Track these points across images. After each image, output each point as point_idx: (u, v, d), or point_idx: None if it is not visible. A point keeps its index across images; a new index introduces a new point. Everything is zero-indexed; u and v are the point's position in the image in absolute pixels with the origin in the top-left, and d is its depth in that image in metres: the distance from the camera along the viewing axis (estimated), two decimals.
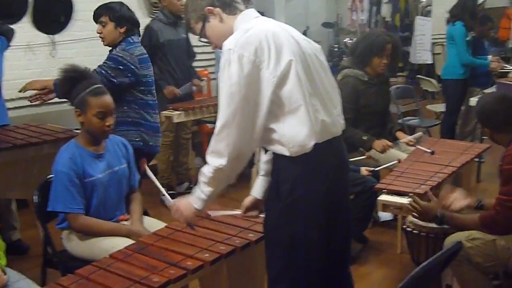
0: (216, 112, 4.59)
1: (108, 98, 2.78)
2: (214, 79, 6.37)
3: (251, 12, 2.30)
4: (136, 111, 3.55)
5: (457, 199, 2.89)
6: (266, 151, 2.30)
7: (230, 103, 2.09)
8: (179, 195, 5.07)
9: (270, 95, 2.09)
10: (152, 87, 3.66)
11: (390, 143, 3.95)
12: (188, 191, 5.29)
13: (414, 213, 2.91)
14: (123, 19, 3.52)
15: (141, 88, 3.55)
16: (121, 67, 3.40)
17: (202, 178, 2.24)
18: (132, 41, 3.54)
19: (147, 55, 3.62)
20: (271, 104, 2.11)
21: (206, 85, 5.75)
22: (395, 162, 3.75)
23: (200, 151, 6.09)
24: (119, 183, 2.91)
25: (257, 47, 2.08)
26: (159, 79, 4.76)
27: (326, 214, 2.21)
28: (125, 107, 3.52)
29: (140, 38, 3.68)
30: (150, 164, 5.07)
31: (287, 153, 2.15)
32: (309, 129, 2.12)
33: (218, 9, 2.27)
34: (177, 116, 4.50)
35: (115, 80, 3.38)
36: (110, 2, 3.66)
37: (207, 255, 2.33)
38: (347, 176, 2.38)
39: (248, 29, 2.14)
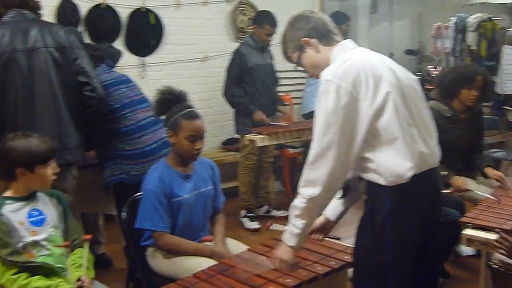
0: (298, 137, 4.74)
1: (200, 122, 2.85)
2: (296, 104, 6.41)
3: (348, 43, 2.33)
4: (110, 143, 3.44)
5: None
6: (361, 179, 2.29)
7: (326, 133, 2.11)
8: (259, 218, 5.15)
9: (366, 126, 2.09)
10: (123, 112, 3.44)
11: (465, 187, 3.78)
12: (267, 214, 5.33)
13: (501, 250, 2.81)
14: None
15: (108, 117, 3.39)
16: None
17: (294, 212, 2.24)
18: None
19: (107, 81, 3.44)
20: (367, 134, 2.11)
21: (289, 110, 5.79)
22: (486, 195, 3.60)
23: (280, 175, 6.13)
24: (205, 204, 2.97)
25: (355, 78, 2.10)
26: (249, 103, 4.87)
27: (418, 245, 2.19)
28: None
29: (107, 68, 3.61)
30: (232, 185, 5.21)
31: (383, 182, 2.14)
32: (407, 160, 2.11)
33: (314, 40, 2.31)
34: (261, 140, 4.55)
35: None
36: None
37: (289, 280, 2.32)
38: (440, 209, 2.35)
39: (345, 60, 2.16)
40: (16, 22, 2.85)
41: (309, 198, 2.18)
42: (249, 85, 4.93)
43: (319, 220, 2.56)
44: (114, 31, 5.38)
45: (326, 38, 2.31)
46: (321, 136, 2.13)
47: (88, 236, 2.58)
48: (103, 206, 3.60)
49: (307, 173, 2.18)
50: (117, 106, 3.38)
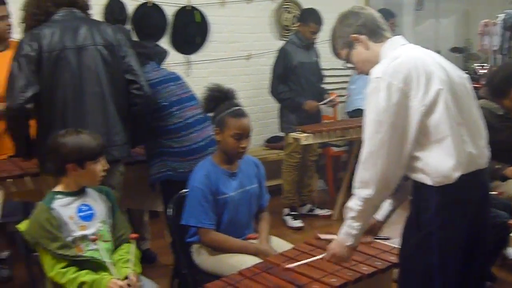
0: (343, 136, 4.71)
1: (246, 121, 2.86)
2: (341, 102, 6.38)
3: (398, 39, 2.29)
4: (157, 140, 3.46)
5: None
6: (407, 179, 2.27)
7: (378, 131, 2.09)
8: (301, 216, 5.14)
9: (417, 123, 2.07)
10: (172, 109, 3.45)
11: None
12: (310, 212, 5.32)
13: None
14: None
15: (156, 115, 3.42)
16: None
17: (350, 214, 2.23)
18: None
19: (155, 79, 3.47)
20: (417, 133, 2.08)
21: (333, 109, 5.75)
22: None
23: (324, 174, 6.11)
24: (250, 202, 2.98)
25: (406, 75, 2.07)
26: (296, 96, 4.87)
27: (465, 247, 2.15)
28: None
29: (155, 67, 3.62)
30: (276, 183, 5.21)
31: (430, 183, 2.10)
32: (455, 160, 2.07)
33: (364, 37, 2.28)
34: (305, 138, 4.53)
35: None
36: None
37: (334, 280, 2.32)
38: (489, 210, 2.31)
39: (396, 57, 2.14)
40: (66, 21, 2.90)
41: (365, 200, 2.16)
42: (294, 83, 4.92)
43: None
44: (160, 29, 5.44)
45: (376, 34, 2.28)
46: (372, 135, 2.11)
47: (135, 235, 2.61)
48: (148, 202, 3.64)
49: (360, 173, 2.16)
50: (165, 104, 3.40)
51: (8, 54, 3.67)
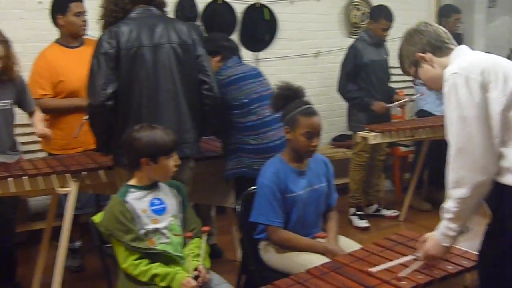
0: (412, 135, 4.63)
1: (317, 119, 2.85)
2: (410, 101, 6.28)
3: (465, 48, 2.31)
4: (235, 136, 3.47)
5: None
6: None
7: (463, 127, 2.07)
8: (367, 216, 5.09)
9: (499, 115, 2.04)
10: (251, 107, 3.45)
11: None
12: (376, 213, 5.26)
13: None
14: (213, 49, 3.48)
15: (235, 111, 3.45)
16: None
17: (446, 215, 2.20)
18: (224, 68, 3.51)
19: (238, 75, 3.50)
20: (501, 126, 2.05)
21: (402, 108, 5.66)
22: None
23: (390, 174, 6.02)
24: (318, 201, 2.97)
25: (483, 68, 2.07)
26: (365, 96, 4.82)
27: None
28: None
29: (238, 60, 3.62)
30: (342, 182, 5.18)
31: None
32: None
33: (429, 55, 2.31)
34: (373, 137, 4.48)
35: None
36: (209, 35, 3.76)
37: (404, 282, 2.28)
38: None
39: (467, 58, 2.15)
40: (143, 18, 2.96)
41: (460, 200, 2.13)
42: (364, 81, 4.87)
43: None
44: (230, 27, 5.49)
45: (441, 49, 2.30)
46: (458, 131, 2.09)
47: (206, 228, 2.66)
48: (217, 198, 3.68)
49: (452, 174, 2.13)
50: (246, 101, 3.41)
51: (83, 50, 3.81)
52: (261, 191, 2.85)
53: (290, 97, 2.88)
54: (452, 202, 2.14)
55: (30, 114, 3.66)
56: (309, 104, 2.89)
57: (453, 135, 2.11)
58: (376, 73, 4.91)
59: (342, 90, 4.94)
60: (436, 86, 2.31)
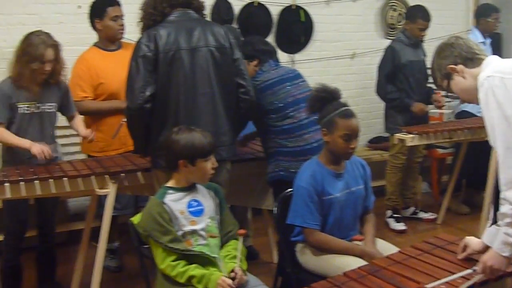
0: (450, 137, 4.57)
1: (355, 121, 2.83)
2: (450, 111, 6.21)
3: (496, 57, 2.32)
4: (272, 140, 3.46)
5: None
6: None
7: (509, 125, 2.07)
8: (404, 219, 5.04)
9: None
10: (287, 111, 3.42)
11: None
12: (413, 215, 5.20)
13: None
14: (250, 54, 3.49)
15: (272, 115, 3.43)
16: None
17: (504, 221, 2.15)
18: (261, 72, 3.49)
19: (273, 79, 3.46)
20: None
21: (439, 110, 5.59)
22: None
23: (428, 176, 5.95)
24: (355, 204, 2.95)
25: None
26: (405, 97, 4.79)
27: None
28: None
29: (275, 64, 3.60)
30: (378, 184, 5.14)
31: None
32: None
33: (460, 66, 2.31)
34: (411, 139, 4.43)
35: None
36: (246, 38, 3.77)
37: (443, 287, 2.26)
38: None
39: (498, 63, 2.19)
40: (181, 22, 2.98)
41: None
42: (402, 82, 4.83)
43: (477, 243, 2.43)
44: (266, 29, 5.50)
45: (472, 60, 2.31)
46: (504, 131, 2.08)
47: (243, 231, 2.65)
48: (253, 200, 3.69)
49: (504, 175, 2.11)
50: (281, 105, 3.40)
51: (121, 54, 3.87)
52: (298, 193, 2.85)
53: (327, 99, 2.87)
54: (509, 205, 2.10)
55: (70, 118, 3.74)
56: (347, 106, 2.88)
57: (499, 136, 2.09)
58: (414, 74, 4.86)
59: (381, 91, 4.91)
60: (468, 97, 2.33)
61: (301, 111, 3.36)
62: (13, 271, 3.69)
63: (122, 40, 4.08)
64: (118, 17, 3.94)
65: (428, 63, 5.01)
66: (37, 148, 3.29)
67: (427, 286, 2.24)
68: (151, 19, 3.02)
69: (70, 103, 3.70)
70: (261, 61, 3.51)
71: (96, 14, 3.94)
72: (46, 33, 3.45)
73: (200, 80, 2.94)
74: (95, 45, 4.05)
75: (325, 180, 2.85)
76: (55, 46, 3.42)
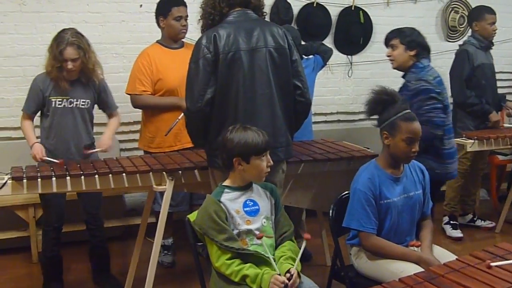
0: (511, 144, 4.42)
1: (418, 125, 2.80)
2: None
3: None
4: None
5: None
6: None
7: None
8: (461, 226, 4.92)
9: None
10: (448, 109, 3.55)
11: None
12: (471, 223, 5.08)
13: None
14: (413, 42, 3.57)
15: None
16: (433, 95, 3.42)
17: None
18: (422, 66, 3.54)
19: (440, 77, 3.55)
20: None
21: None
22: None
23: (486, 183, 5.80)
24: (413, 209, 2.91)
25: None
26: (485, 103, 4.70)
27: None
28: None
29: (429, 62, 3.61)
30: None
31: None
32: None
33: None
34: (470, 144, 4.33)
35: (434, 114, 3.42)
36: (403, 27, 3.72)
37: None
38: None
39: None
40: (240, 22, 2.98)
41: None
42: (474, 85, 4.71)
43: None
44: (324, 29, 5.47)
45: None
46: None
47: (308, 236, 2.54)
48: (308, 201, 3.67)
49: None
50: (446, 104, 3.51)
51: (183, 52, 3.93)
52: (355, 197, 2.82)
53: (388, 102, 2.85)
54: None
55: (109, 116, 3.84)
56: (409, 109, 2.84)
57: None
58: (486, 77, 4.76)
59: (460, 96, 4.74)
60: None
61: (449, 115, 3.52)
62: (52, 261, 3.80)
63: (184, 40, 4.13)
64: (182, 18, 4.00)
65: (497, 67, 4.95)
66: (35, 150, 3.46)
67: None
68: (210, 18, 3.04)
69: (110, 102, 3.80)
70: (418, 54, 3.57)
71: (161, 12, 4.02)
72: (76, 32, 3.54)
73: (259, 81, 2.94)
74: (158, 42, 4.12)
75: (383, 184, 2.82)
76: (79, 46, 3.48)
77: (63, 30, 3.52)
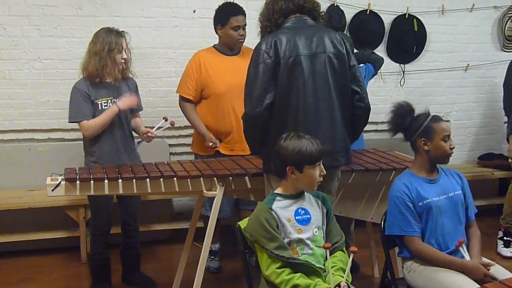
0: None
1: (445, 122, 2.92)
2: None
3: None
4: None
5: None
6: None
7: None
8: None
9: None
10: None
11: None
12: None
13: None
14: None
15: None
16: None
17: None
18: None
19: None
20: None
21: None
22: None
23: None
24: (456, 210, 2.87)
25: None
26: None
27: None
28: None
29: None
30: (487, 203, 4.87)
31: None
32: None
33: None
34: None
35: None
36: None
37: None
38: None
39: None
40: (298, 28, 2.98)
41: None
42: None
43: None
44: (377, 37, 5.41)
45: None
46: None
47: (354, 249, 2.47)
48: (358, 211, 3.62)
49: None
50: None
51: (237, 60, 3.96)
52: (392, 204, 2.85)
53: (410, 112, 2.93)
54: None
55: (134, 116, 3.85)
56: (429, 111, 2.95)
57: None
58: None
59: None
60: None
61: None
62: (100, 264, 3.84)
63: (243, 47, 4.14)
64: (240, 27, 4.00)
65: None
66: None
67: None
68: (267, 31, 3.08)
69: (139, 101, 3.81)
70: None
71: (219, 20, 4.03)
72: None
73: (319, 86, 2.93)
74: (215, 46, 4.14)
75: (419, 186, 2.85)
76: (124, 37, 3.61)
77: (102, 28, 3.61)
